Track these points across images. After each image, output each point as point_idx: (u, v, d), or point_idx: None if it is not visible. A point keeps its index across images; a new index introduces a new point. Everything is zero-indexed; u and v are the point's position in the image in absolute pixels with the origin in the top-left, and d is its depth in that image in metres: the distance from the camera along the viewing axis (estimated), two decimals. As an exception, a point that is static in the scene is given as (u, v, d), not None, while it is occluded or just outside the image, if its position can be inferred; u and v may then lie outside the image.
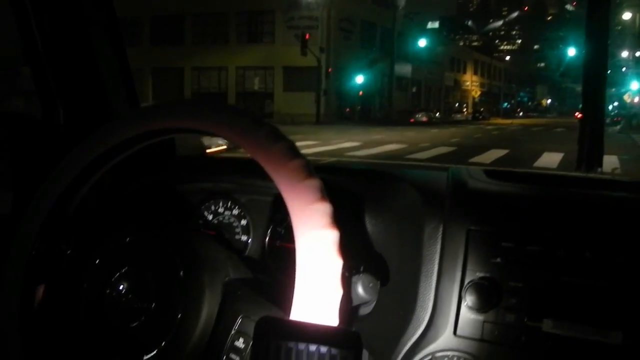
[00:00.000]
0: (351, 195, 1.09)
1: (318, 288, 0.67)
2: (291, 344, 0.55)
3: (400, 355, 0.93)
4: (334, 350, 0.55)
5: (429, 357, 0.90)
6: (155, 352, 0.85)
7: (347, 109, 34.54)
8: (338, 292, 0.68)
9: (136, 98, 1.55)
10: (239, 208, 1.31)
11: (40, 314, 0.90)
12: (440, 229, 0.95)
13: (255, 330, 0.56)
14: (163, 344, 0.84)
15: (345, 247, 0.69)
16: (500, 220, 0.91)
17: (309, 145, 15.03)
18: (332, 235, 0.68)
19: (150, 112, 0.86)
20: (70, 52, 1.43)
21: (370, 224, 1.05)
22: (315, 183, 0.71)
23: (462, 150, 15.69)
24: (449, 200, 0.97)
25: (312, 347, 0.55)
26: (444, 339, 0.90)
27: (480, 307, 0.87)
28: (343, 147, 15.78)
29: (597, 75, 1.54)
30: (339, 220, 0.69)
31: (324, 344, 0.55)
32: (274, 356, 0.55)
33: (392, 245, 1.02)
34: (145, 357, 0.85)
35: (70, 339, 0.92)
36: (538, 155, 13.81)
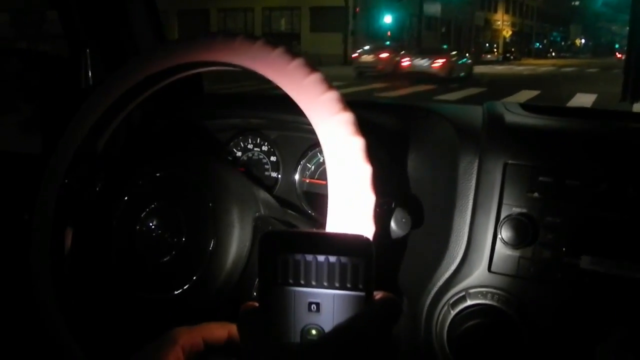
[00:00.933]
0: (384, 130, 1.06)
1: (351, 208, 0.67)
2: (298, 256, 0.53)
3: (434, 291, 0.92)
4: (343, 259, 0.53)
5: (463, 293, 0.89)
6: (186, 287, 0.85)
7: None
8: (371, 223, 0.67)
9: (164, 38, 1.53)
10: (268, 144, 1.29)
11: (72, 252, 0.91)
12: (476, 163, 0.92)
13: (260, 244, 0.54)
14: (194, 278, 0.85)
15: (379, 182, 0.68)
16: (538, 154, 0.88)
17: (337, 87, 14.85)
18: (359, 143, 0.68)
19: (176, 46, 0.85)
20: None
21: (403, 159, 1.03)
22: (335, 95, 0.70)
23: (493, 91, 15.44)
24: (484, 133, 0.94)
25: (321, 258, 0.53)
26: (478, 275, 0.89)
27: (516, 242, 0.85)
28: (371, 87, 15.64)
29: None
30: (372, 155, 0.68)
31: (333, 253, 0.53)
32: (281, 271, 0.53)
33: (426, 180, 1.00)
34: (176, 292, 0.85)
35: (102, 277, 0.93)
36: (571, 95, 13.55)
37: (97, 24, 1.43)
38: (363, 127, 0.69)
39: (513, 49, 55.98)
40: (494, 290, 0.87)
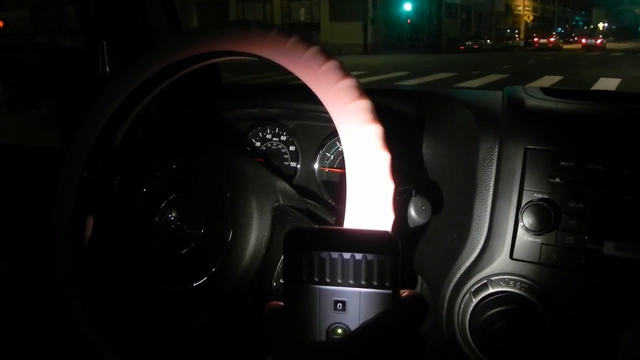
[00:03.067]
0: (403, 117, 1.05)
1: (371, 197, 0.66)
2: (324, 254, 0.52)
3: (455, 279, 0.91)
4: (369, 256, 0.52)
5: (485, 280, 0.88)
6: (205, 278, 0.84)
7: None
8: (390, 211, 0.66)
9: (179, 29, 1.53)
10: (287, 134, 1.29)
11: (91, 244, 0.92)
12: (496, 149, 0.91)
13: (285, 242, 0.53)
14: (213, 270, 0.84)
15: (398, 169, 0.67)
16: (560, 139, 0.87)
17: (359, 75, 14.80)
18: (377, 130, 0.67)
19: (191, 36, 0.84)
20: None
21: (423, 146, 1.02)
22: (352, 82, 0.69)
23: (515, 77, 15.28)
24: (505, 118, 0.93)
25: (347, 255, 0.52)
26: (500, 262, 0.87)
27: (538, 229, 0.84)
28: (391, 76, 15.57)
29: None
30: (391, 142, 0.67)
31: (358, 250, 0.52)
32: (306, 269, 0.52)
33: (446, 167, 0.99)
34: (195, 284, 0.85)
35: (122, 269, 0.93)
36: (594, 80, 13.37)
37: (112, 15, 1.42)
38: (381, 114, 0.68)
39: (535, 34, 55.34)
40: (516, 278, 0.86)
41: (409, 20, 34.64)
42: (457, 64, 19.47)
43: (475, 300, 0.88)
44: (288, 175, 1.27)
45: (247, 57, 0.80)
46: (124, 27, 1.44)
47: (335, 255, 0.52)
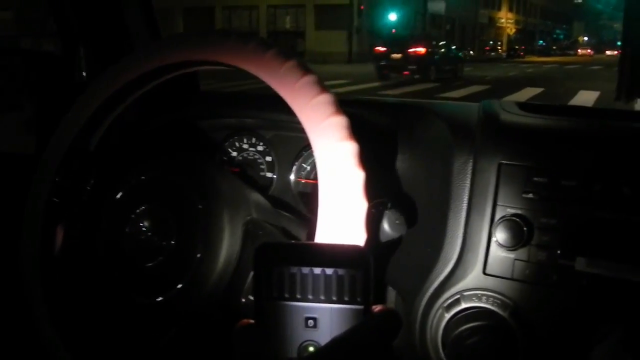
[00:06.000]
0: (378, 129, 1.05)
1: (342, 216, 0.65)
2: (294, 269, 0.51)
3: (429, 293, 0.91)
4: (340, 271, 0.51)
5: (458, 295, 0.87)
6: (175, 291, 0.84)
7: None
8: (363, 230, 0.65)
9: (159, 35, 1.52)
10: (263, 144, 1.28)
11: (62, 252, 0.91)
12: (471, 163, 0.91)
13: (255, 257, 0.52)
14: (182, 282, 0.83)
15: (372, 182, 0.67)
16: (533, 154, 0.87)
17: (340, 84, 14.87)
18: (352, 148, 0.66)
19: (168, 44, 0.84)
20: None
21: (397, 159, 1.02)
22: (327, 98, 0.69)
23: (497, 88, 15.37)
24: (479, 133, 0.93)
25: (317, 270, 0.51)
26: (473, 277, 0.87)
27: (511, 244, 0.84)
28: (374, 85, 15.61)
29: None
30: (365, 156, 0.67)
31: (329, 265, 0.51)
32: (277, 284, 0.51)
33: (420, 180, 0.99)
34: (165, 297, 0.84)
35: (91, 279, 0.91)
36: (573, 93, 13.49)
37: (90, 20, 1.42)
38: (356, 126, 0.68)
39: (517, 47, 55.82)
40: (489, 293, 0.86)
41: (393, 30, 34.79)
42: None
43: (448, 316, 0.88)
44: (264, 186, 1.27)
45: (224, 67, 0.79)
46: (102, 32, 1.43)
47: (305, 270, 0.51)
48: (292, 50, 0.77)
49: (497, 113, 0.96)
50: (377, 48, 18.94)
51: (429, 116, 1.03)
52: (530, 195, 0.85)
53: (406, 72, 17.72)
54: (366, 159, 0.67)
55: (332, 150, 0.66)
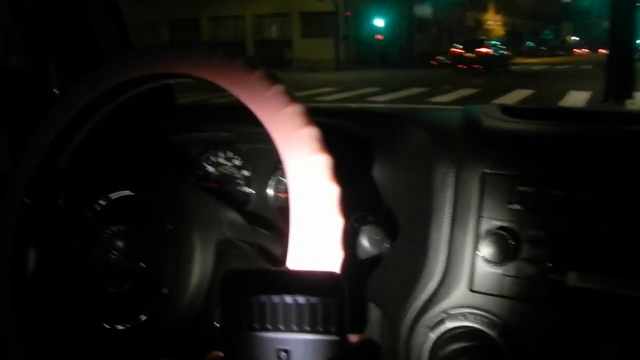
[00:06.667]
0: (356, 139, 1.01)
1: (316, 235, 0.62)
2: (263, 298, 0.48)
3: (412, 312, 0.87)
4: (313, 299, 0.48)
5: (443, 314, 0.83)
6: (145, 316, 0.80)
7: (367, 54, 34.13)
8: (339, 249, 0.62)
9: (130, 45, 1.48)
10: (240, 158, 1.24)
11: (31, 276, 0.87)
12: (453, 174, 0.86)
13: (221, 286, 0.49)
14: (153, 307, 0.79)
15: (350, 196, 0.63)
16: (518, 162, 0.83)
17: (329, 92, 14.88)
18: (324, 161, 0.63)
19: (135, 58, 0.82)
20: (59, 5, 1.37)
21: (376, 170, 0.98)
22: (297, 109, 0.66)
23: (486, 91, 15.40)
24: (461, 141, 0.88)
25: (288, 299, 0.48)
26: (459, 295, 0.83)
27: (498, 259, 0.80)
28: (363, 92, 15.61)
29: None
30: (344, 168, 0.63)
31: (301, 293, 0.48)
32: (245, 314, 0.48)
33: (401, 193, 0.95)
34: (135, 322, 0.80)
35: (59, 302, 0.88)
36: (564, 94, 13.52)
37: (59, 34, 1.39)
38: (331, 136, 0.65)
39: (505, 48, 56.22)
40: (477, 311, 0.82)
41: (381, 36, 34.94)
42: (429, 79, 19.58)
43: (433, 336, 0.84)
44: (241, 202, 1.22)
45: (189, 80, 0.76)
46: (72, 46, 1.40)
47: (276, 299, 0.48)
48: (259, 60, 0.74)
49: (479, 119, 0.92)
50: (453, 49, 25.00)
51: (409, 125, 0.99)
52: (516, 206, 0.81)
53: (476, 66, 22.93)
54: (342, 172, 0.63)
55: (303, 165, 0.63)
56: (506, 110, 1.00)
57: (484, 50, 23.98)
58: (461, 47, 24.47)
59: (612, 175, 0.78)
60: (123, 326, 0.81)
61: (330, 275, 0.49)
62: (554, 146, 0.84)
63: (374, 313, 1.03)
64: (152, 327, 0.80)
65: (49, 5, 1.36)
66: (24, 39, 1.41)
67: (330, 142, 0.65)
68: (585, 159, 0.81)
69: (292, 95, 0.68)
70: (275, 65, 27.32)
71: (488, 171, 0.83)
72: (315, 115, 0.66)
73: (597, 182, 0.78)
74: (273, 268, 0.69)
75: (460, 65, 23.47)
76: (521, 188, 0.81)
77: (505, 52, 26.40)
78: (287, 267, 0.61)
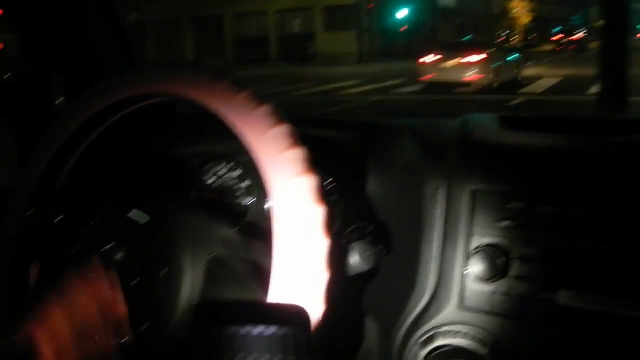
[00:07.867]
0: (345, 153, 1.00)
1: (299, 258, 0.62)
2: (233, 329, 0.49)
3: (405, 326, 0.86)
4: (280, 331, 0.49)
5: (433, 331, 0.82)
6: (137, 333, 0.79)
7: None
8: (324, 270, 0.62)
9: (132, 59, 1.48)
10: (240, 169, 1.23)
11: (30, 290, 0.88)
12: (443, 189, 0.85)
13: (193, 319, 0.53)
14: (144, 325, 0.79)
15: (340, 210, 0.63)
16: (509, 177, 0.81)
17: (354, 85, 14.84)
18: (309, 183, 0.63)
19: (125, 79, 0.84)
20: (59, 22, 1.39)
21: (367, 184, 0.97)
22: (283, 130, 0.66)
23: (512, 80, 15.20)
24: (452, 154, 0.87)
25: (257, 330, 0.49)
26: (449, 312, 0.82)
27: (488, 276, 0.78)
28: (385, 85, 15.52)
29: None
30: (331, 183, 0.63)
31: (269, 324, 0.49)
32: (215, 345, 0.50)
33: (391, 207, 0.94)
34: (126, 340, 0.80)
35: None
36: (593, 81, 13.29)
37: (63, 51, 1.40)
38: (323, 150, 0.65)
39: (533, 35, 55.31)
40: (467, 328, 0.80)
41: (404, 27, 34.71)
42: (454, 69, 19.39)
43: (423, 353, 0.82)
44: (241, 213, 1.22)
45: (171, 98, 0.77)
46: (75, 62, 1.41)
47: (244, 330, 0.49)
48: (247, 81, 0.73)
49: (472, 132, 0.90)
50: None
51: (401, 137, 0.97)
52: (507, 223, 0.79)
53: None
54: (332, 186, 0.63)
55: (287, 187, 0.63)
56: (505, 120, 0.98)
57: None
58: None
59: (605, 190, 0.76)
60: (113, 343, 0.81)
61: (295, 307, 0.51)
62: (546, 160, 0.82)
63: (372, 327, 1.02)
64: (141, 345, 0.80)
65: (53, 24, 1.38)
66: (25, 55, 1.43)
67: (320, 157, 0.64)
68: (578, 174, 0.79)
69: (279, 115, 0.67)
70: (299, 59, 27.33)
71: (478, 187, 0.82)
72: (307, 127, 0.66)
73: (590, 198, 0.76)
74: (244, 300, 0.69)
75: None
76: (512, 204, 0.79)
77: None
78: (255, 300, 0.61)
